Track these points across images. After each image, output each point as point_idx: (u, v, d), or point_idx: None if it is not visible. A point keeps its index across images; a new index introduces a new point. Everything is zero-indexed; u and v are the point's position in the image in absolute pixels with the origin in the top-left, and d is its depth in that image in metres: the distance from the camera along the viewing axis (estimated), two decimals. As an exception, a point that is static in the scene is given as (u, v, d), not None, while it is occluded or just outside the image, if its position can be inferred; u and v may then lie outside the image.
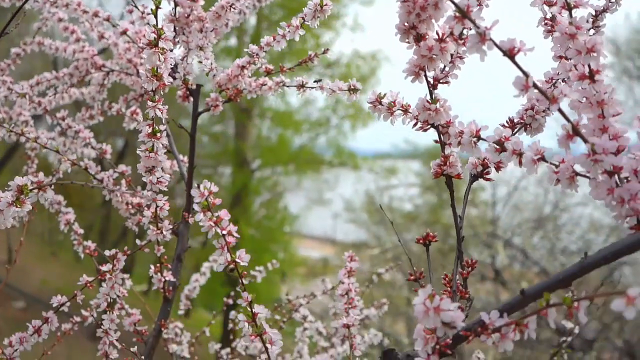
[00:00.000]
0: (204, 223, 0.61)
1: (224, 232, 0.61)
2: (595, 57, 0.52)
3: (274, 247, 11.19)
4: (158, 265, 0.95)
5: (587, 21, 0.70)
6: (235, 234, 0.61)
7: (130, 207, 1.01)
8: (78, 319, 1.09)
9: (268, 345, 0.64)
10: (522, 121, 0.67)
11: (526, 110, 0.67)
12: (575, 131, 0.51)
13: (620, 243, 0.48)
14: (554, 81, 0.68)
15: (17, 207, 0.67)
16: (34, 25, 1.34)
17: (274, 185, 12.33)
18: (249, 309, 0.64)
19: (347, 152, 11.83)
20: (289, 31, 0.87)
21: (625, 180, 0.51)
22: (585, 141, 0.50)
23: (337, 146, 11.98)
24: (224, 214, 0.61)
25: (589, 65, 0.52)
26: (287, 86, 0.95)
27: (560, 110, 0.50)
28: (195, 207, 0.60)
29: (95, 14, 1.10)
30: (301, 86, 0.93)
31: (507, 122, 0.68)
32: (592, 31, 0.71)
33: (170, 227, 0.90)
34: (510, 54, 0.50)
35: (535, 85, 0.50)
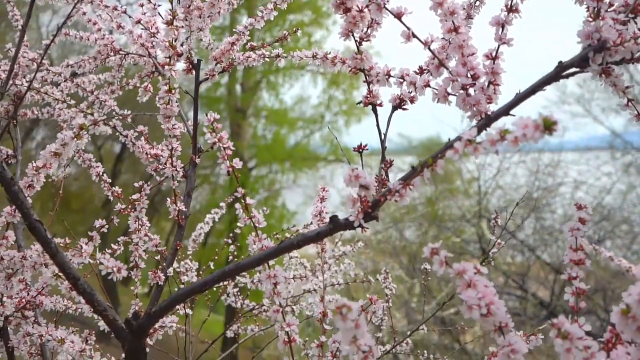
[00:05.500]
0: (211, 140, 0.90)
1: (225, 146, 0.90)
2: (456, 17, 0.81)
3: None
4: (173, 197, 1.24)
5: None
6: (232, 147, 0.91)
7: (148, 156, 1.30)
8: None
9: (257, 225, 0.93)
10: (427, 68, 0.96)
11: (431, 59, 0.97)
12: (440, 63, 0.80)
13: (477, 124, 0.77)
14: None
15: (77, 140, 0.96)
16: (60, 21, 1.63)
17: (270, 183, 12.62)
18: (243, 201, 0.93)
19: (343, 148, 12.10)
20: (266, 13, 1.16)
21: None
22: (447, 69, 0.80)
23: (332, 142, 12.28)
24: (224, 134, 0.91)
25: (453, 22, 0.82)
26: (268, 58, 1.24)
27: (430, 50, 0.80)
28: (204, 129, 0.90)
29: (115, 8, 1.39)
30: (278, 56, 1.23)
31: (418, 68, 0.97)
32: (477, 2, 1.01)
33: (182, 165, 1.19)
34: (398, 16, 0.80)
35: (413, 35, 0.79)
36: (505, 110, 0.76)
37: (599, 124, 9.11)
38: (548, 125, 0.56)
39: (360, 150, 0.93)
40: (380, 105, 0.93)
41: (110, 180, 1.39)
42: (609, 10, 0.75)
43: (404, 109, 0.96)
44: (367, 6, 0.85)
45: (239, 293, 1.66)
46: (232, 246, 1.70)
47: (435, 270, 0.69)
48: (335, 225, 0.85)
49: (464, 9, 1.00)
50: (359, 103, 0.90)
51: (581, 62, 0.73)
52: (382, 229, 9.16)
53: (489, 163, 7.60)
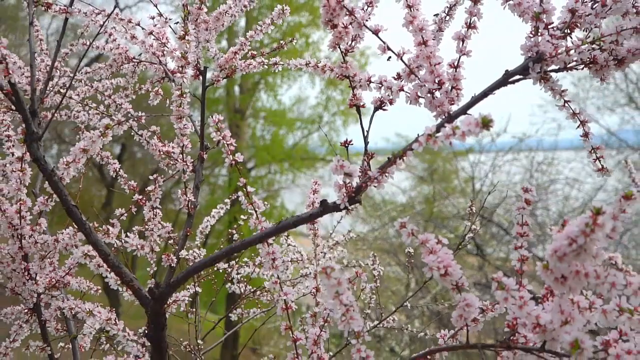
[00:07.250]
0: (216, 138, 1.06)
1: (228, 142, 1.06)
2: (425, 32, 0.97)
3: (272, 244, 11.57)
4: (184, 189, 1.40)
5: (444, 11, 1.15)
6: (234, 144, 1.06)
7: (161, 153, 1.46)
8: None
9: (257, 209, 1.09)
10: (402, 75, 1.12)
11: (405, 68, 1.12)
12: (410, 71, 0.96)
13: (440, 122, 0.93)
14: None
15: (103, 137, 1.12)
16: (78, 31, 1.80)
17: (269, 184, 12.78)
18: (245, 189, 1.09)
19: (340, 148, 12.27)
20: (264, 27, 1.32)
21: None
22: (416, 76, 0.96)
23: (330, 142, 12.41)
24: (228, 132, 1.06)
25: (422, 36, 0.98)
26: (267, 65, 1.40)
27: (402, 60, 0.96)
28: (210, 129, 1.05)
29: (130, 20, 1.55)
30: (275, 64, 1.39)
31: (396, 74, 1.13)
32: (447, 17, 1.17)
33: (192, 160, 1.35)
34: (375, 32, 0.95)
35: (388, 48, 0.95)
36: (463, 110, 0.92)
37: (594, 122, 9.27)
38: (485, 123, 0.72)
39: (347, 145, 1.09)
40: (363, 106, 1.09)
41: (126, 175, 1.55)
42: (550, 26, 0.91)
43: (384, 110, 1.12)
44: (350, 23, 1.01)
45: (242, 279, 1.82)
46: (235, 235, 1.86)
47: (404, 240, 0.85)
48: (325, 207, 1.01)
49: (435, 23, 1.16)
50: (350, 106, 1.06)
51: (523, 71, 0.89)
52: (379, 226, 9.31)
53: (483, 161, 7.77)
